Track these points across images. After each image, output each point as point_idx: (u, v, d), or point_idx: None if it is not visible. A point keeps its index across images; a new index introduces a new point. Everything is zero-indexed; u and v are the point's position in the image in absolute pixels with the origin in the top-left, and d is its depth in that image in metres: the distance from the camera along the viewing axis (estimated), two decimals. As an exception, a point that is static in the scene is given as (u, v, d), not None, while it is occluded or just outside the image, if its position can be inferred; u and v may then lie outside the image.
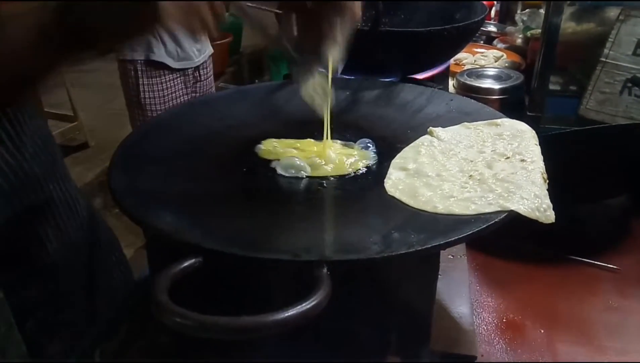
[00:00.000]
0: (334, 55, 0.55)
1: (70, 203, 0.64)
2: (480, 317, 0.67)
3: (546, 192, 0.51)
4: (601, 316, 0.68)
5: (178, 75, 1.78)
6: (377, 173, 0.59)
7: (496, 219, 0.46)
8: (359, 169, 0.59)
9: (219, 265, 0.42)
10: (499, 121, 0.64)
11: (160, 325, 0.36)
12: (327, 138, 0.63)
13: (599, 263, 0.76)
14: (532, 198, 0.49)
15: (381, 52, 0.83)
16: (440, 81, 0.97)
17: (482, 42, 1.69)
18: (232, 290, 0.47)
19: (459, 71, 1.27)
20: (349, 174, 0.58)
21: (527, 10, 1.57)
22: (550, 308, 0.69)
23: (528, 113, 1.10)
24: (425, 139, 0.63)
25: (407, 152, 0.61)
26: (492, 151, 0.58)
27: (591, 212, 0.89)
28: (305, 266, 0.40)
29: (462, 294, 0.65)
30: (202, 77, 1.88)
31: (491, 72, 1.23)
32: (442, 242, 0.43)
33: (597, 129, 0.81)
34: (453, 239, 0.44)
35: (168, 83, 1.76)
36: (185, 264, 0.40)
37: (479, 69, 1.25)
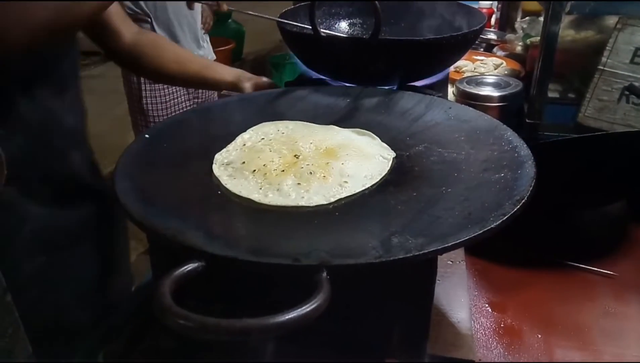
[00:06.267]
0: None
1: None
2: (479, 322, 0.68)
3: None
4: (598, 321, 0.69)
5: (180, 81, 1.79)
6: (377, 179, 0.60)
7: (493, 225, 0.47)
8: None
9: (222, 269, 0.43)
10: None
11: (163, 327, 0.37)
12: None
13: (596, 269, 0.76)
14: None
15: (381, 60, 0.84)
16: (439, 88, 0.98)
17: (482, 49, 1.70)
18: (234, 293, 0.48)
19: (458, 78, 1.28)
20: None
21: (527, 18, 1.58)
22: (547, 313, 0.70)
23: (527, 120, 1.11)
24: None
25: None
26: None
27: (589, 218, 0.90)
28: (305, 270, 0.41)
29: (461, 299, 0.65)
30: (205, 83, 1.89)
31: (491, 79, 1.23)
32: (439, 247, 0.44)
33: (595, 137, 0.82)
34: (450, 244, 0.45)
35: (170, 89, 1.78)
36: (189, 268, 0.41)
37: (479, 77, 1.26)
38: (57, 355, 0.69)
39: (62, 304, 0.78)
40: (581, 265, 0.77)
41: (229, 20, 3.15)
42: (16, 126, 0.69)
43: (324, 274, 0.40)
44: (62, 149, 0.78)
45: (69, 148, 0.79)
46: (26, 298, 0.71)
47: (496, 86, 1.20)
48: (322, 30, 0.85)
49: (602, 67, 1.05)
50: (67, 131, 0.79)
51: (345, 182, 0.58)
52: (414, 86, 0.89)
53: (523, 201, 0.49)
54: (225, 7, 0.80)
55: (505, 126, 0.66)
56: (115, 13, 0.94)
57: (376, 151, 0.65)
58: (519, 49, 1.56)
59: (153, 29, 1.69)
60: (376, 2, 0.77)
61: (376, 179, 0.60)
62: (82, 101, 0.85)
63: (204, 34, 1.87)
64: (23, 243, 0.73)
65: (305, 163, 0.61)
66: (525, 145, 0.61)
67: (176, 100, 1.81)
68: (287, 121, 0.73)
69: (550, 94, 1.13)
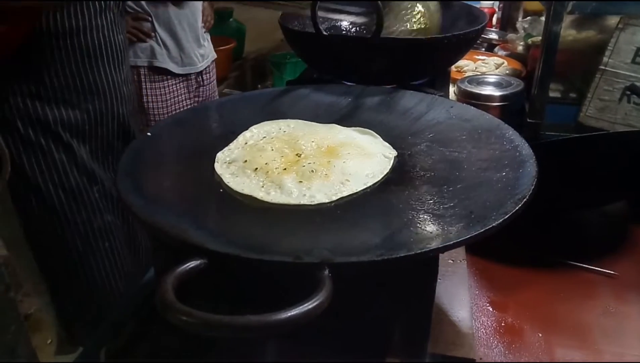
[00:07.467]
0: None
1: None
2: (479, 321, 0.68)
3: None
4: (599, 320, 0.69)
5: (180, 80, 1.79)
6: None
7: (494, 224, 0.47)
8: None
9: (224, 266, 0.43)
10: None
11: (166, 325, 0.37)
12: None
13: (597, 268, 0.76)
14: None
15: (382, 59, 0.84)
16: (441, 87, 0.98)
17: (483, 49, 1.70)
18: (236, 290, 0.48)
19: (459, 77, 1.28)
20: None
21: (528, 17, 1.58)
22: (548, 313, 0.70)
23: (528, 120, 1.11)
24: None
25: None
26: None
27: (589, 218, 0.90)
28: (307, 268, 0.41)
29: (462, 298, 0.65)
30: (205, 82, 1.89)
31: (492, 79, 1.24)
32: (441, 246, 0.44)
33: (596, 136, 0.82)
34: (452, 243, 0.45)
35: (171, 88, 1.78)
36: (191, 265, 0.41)
37: (480, 76, 1.26)
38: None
39: (122, 262, 1.00)
40: (582, 265, 0.77)
41: (230, 19, 3.14)
42: (88, 95, 0.89)
43: (326, 272, 0.40)
44: (123, 114, 0.96)
45: (125, 113, 0.97)
46: (95, 255, 0.95)
47: (497, 85, 1.20)
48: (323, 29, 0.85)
49: (603, 67, 1.05)
50: (124, 98, 0.97)
51: (347, 180, 0.58)
52: (416, 85, 0.90)
53: (525, 200, 0.49)
54: None
55: (506, 125, 0.66)
56: None
57: (378, 150, 0.65)
58: (520, 48, 1.56)
59: (154, 28, 1.69)
60: (378, 1, 0.77)
61: (378, 177, 0.60)
62: (130, 73, 1.04)
63: (204, 32, 1.87)
64: (94, 202, 0.92)
65: (307, 162, 0.61)
66: (526, 144, 0.61)
67: (176, 98, 1.81)
68: (289, 120, 0.73)
69: (552, 94, 1.13)
